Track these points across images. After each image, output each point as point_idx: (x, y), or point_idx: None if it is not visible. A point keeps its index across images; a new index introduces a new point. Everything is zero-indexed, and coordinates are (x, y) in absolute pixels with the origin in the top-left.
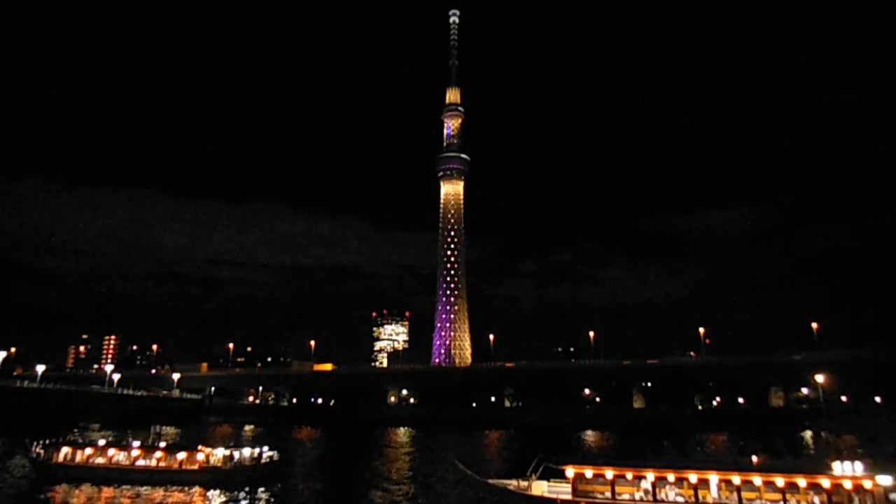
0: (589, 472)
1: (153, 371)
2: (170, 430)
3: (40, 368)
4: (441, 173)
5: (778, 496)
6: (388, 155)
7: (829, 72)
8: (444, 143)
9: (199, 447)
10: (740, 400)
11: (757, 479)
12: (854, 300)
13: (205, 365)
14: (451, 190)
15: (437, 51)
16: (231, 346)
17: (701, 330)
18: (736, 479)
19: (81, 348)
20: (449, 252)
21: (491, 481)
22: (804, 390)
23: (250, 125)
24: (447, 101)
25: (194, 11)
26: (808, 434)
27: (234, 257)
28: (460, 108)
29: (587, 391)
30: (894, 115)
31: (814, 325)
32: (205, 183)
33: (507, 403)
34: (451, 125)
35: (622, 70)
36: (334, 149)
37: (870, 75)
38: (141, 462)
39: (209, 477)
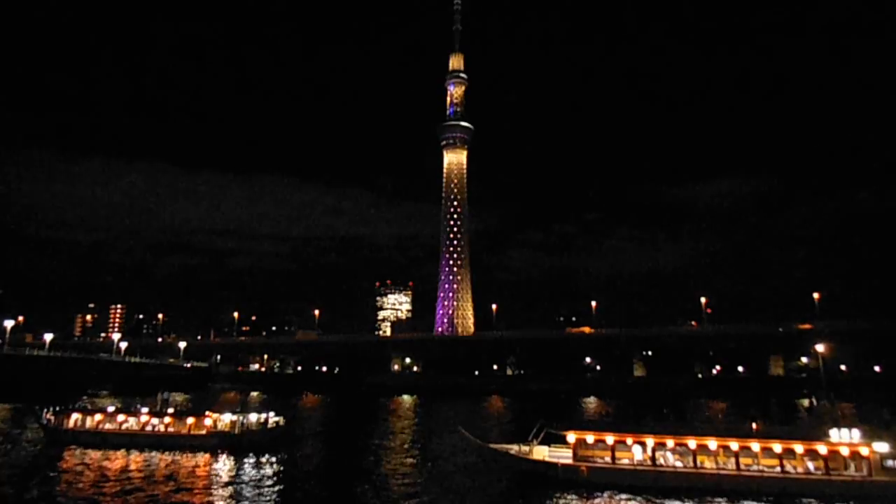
0: (590, 438)
1: (159, 339)
2: (177, 397)
3: (48, 337)
4: (444, 142)
5: (775, 462)
6: (393, 124)
7: (832, 39)
8: (448, 112)
9: (207, 413)
10: (740, 368)
11: (755, 446)
12: (855, 270)
13: (211, 333)
14: (454, 159)
15: (441, 16)
16: (236, 314)
17: (703, 299)
18: (734, 446)
19: (88, 317)
20: (452, 222)
21: (493, 446)
22: (804, 359)
23: (256, 96)
24: (450, 67)
25: None
26: (805, 402)
27: (241, 228)
28: (463, 75)
29: (588, 359)
30: None
31: (815, 294)
32: (212, 155)
33: (509, 372)
34: (455, 93)
35: (626, 39)
36: (339, 118)
37: (872, 44)
38: (150, 427)
39: (217, 441)
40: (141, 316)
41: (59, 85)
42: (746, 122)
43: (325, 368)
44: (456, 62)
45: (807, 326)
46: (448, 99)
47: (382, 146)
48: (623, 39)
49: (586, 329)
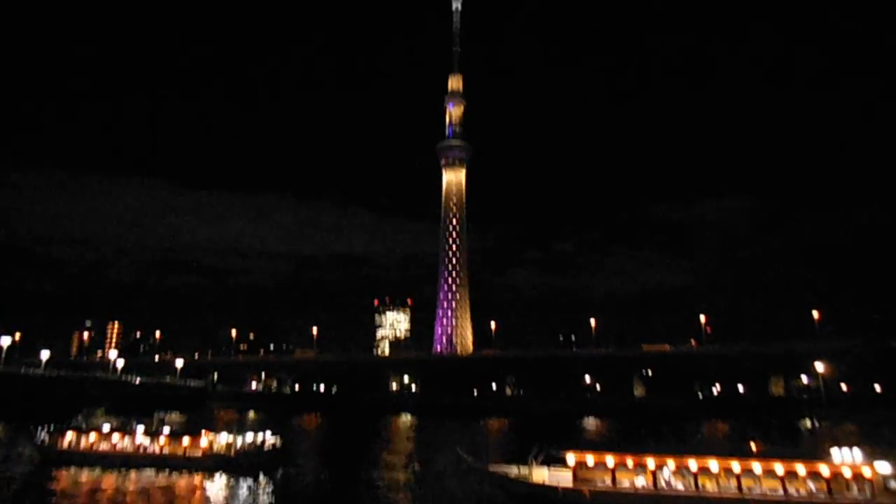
0: (590, 459)
1: (157, 357)
2: (173, 416)
3: (45, 354)
4: (443, 161)
5: (777, 483)
6: (393, 143)
7: (829, 60)
8: (447, 131)
9: (203, 433)
10: (740, 388)
11: (756, 467)
12: (855, 289)
13: (209, 351)
14: (453, 178)
15: (440, 37)
16: (234, 332)
17: (702, 318)
18: (736, 467)
19: (85, 335)
20: (451, 240)
21: (492, 468)
22: (804, 379)
23: (257, 114)
24: (449, 88)
25: (199, 2)
26: (807, 422)
27: (241, 246)
28: (462, 96)
29: (588, 379)
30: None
31: (815, 313)
32: (213, 173)
33: (509, 391)
34: (454, 112)
35: (623, 59)
36: (340, 138)
37: (868, 63)
38: (145, 448)
39: (213, 462)
40: (138, 334)
41: (58, 101)
42: (744, 140)
43: (322, 387)
44: (455, 83)
45: (665, 348)
46: (447, 119)
47: (382, 165)
48: (622, 60)
49: (665, 347)
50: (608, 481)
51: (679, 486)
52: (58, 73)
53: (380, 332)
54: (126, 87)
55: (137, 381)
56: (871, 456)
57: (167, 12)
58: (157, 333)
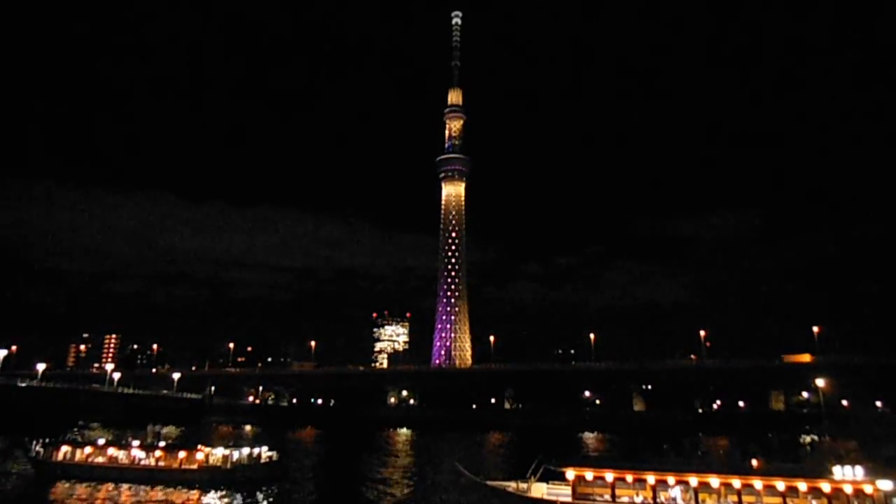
0: (589, 475)
1: (154, 370)
2: (169, 430)
3: (41, 367)
4: (442, 174)
5: (778, 500)
6: (394, 156)
7: (826, 72)
8: (446, 145)
9: (199, 446)
10: (741, 403)
11: (757, 483)
12: (855, 304)
13: (206, 364)
14: (453, 191)
15: (440, 52)
16: (232, 345)
17: (702, 333)
18: (736, 483)
19: (82, 347)
20: (450, 253)
21: (490, 483)
22: (805, 394)
23: (258, 128)
24: (449, 102)
25: (200, 14)
26: (808, 438)
27: (241, 259)
28: (462, 110)
29: (587, 393)
30: (891, 116)
31: (815, 328)
32: (214, 185)
33: (508, 405)
34: (453, 126)
35: (624, 74)
36: (340, 151)
37: (868, 75)
38: (140, 461)
39: (208, 476)
40: (135, 346)
41: (60, 115)
42: (746, 156)
43: (320, 401)
44: (454, 97)
45: (806, 359)
46: (447, 132)
47: (382, 178)
48: (622, 74)
49: (807, 357)
50: (607, 497)
51: (679, 502)
52: (61, 87)
53: (378, 346)
54: (129, 100)
55: (133, 394)
56: (872, 473)
57: (171, 28)
58: (155, 346)
